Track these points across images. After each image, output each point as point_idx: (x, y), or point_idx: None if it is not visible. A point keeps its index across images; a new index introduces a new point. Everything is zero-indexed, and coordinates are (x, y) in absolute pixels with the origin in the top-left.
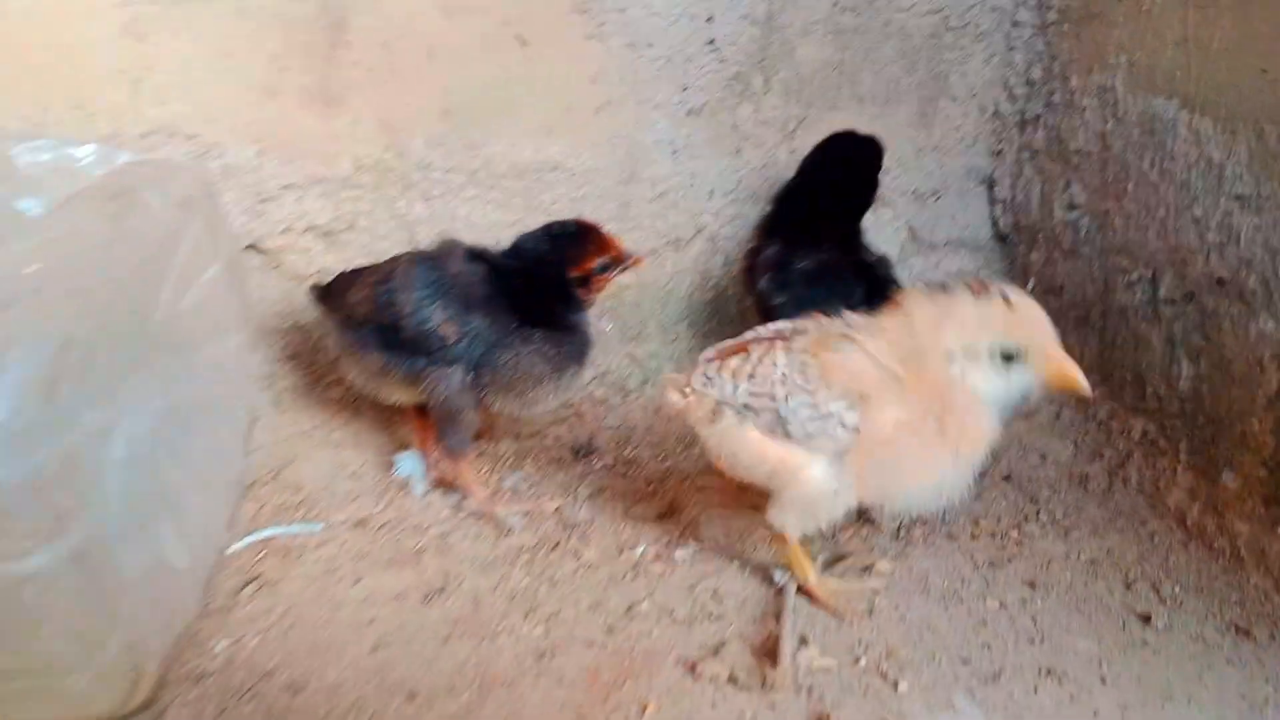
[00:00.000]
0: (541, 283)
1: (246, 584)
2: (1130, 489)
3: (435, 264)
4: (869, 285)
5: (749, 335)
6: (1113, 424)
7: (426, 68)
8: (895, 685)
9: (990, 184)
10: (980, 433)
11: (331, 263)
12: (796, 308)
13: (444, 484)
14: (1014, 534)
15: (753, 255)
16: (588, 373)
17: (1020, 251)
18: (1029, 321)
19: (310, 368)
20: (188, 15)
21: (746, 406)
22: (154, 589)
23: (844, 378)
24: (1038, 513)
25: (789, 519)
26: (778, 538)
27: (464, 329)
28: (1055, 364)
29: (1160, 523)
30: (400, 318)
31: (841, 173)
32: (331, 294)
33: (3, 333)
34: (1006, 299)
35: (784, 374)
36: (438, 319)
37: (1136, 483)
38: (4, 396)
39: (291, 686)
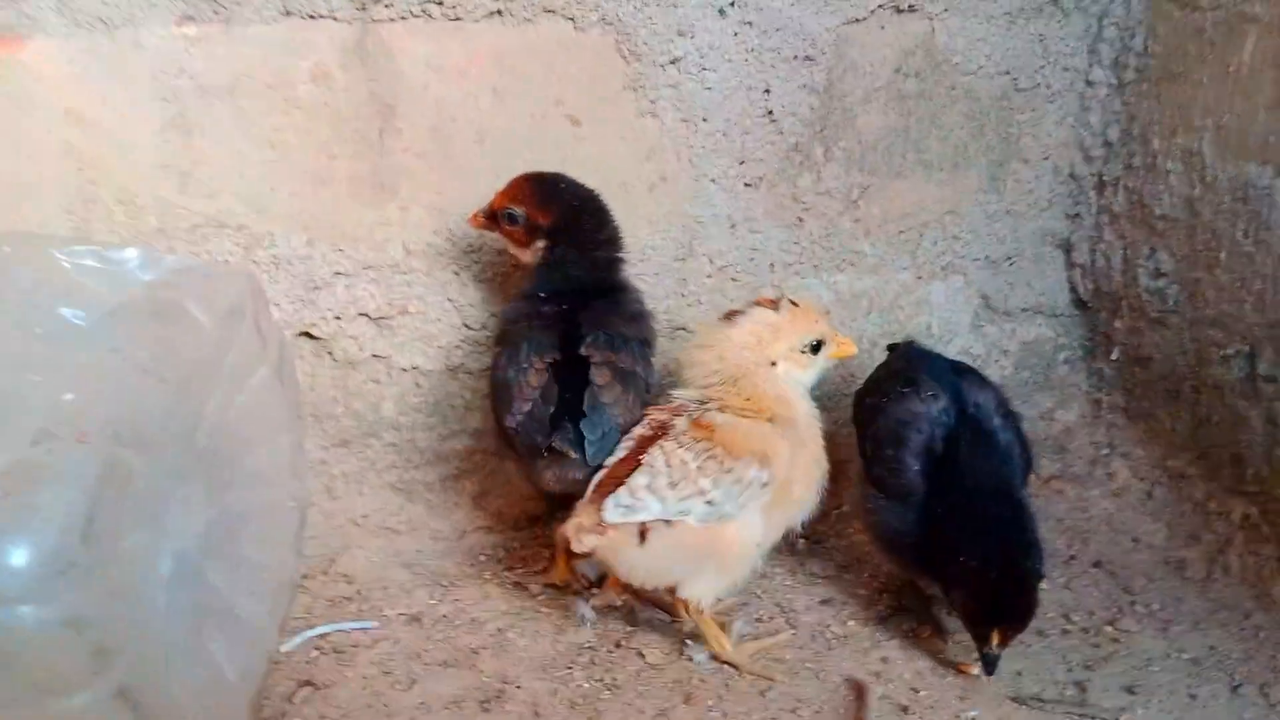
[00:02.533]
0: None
1: (300, 687)
2: (1232, 578)
3: None
4: None
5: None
6: (1210, 505)
7: (477, 151)
8: None
9: (1068, 248)
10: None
11: (382, 348)
12: None
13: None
14: (1109, 629)
15: None
16: None
17: (1103, 319)
18: (816, 313)
19: (363, 453)
20: (234, 108)
21: (681, 513)
22: (204, 706)
23: (740, 441)
24: (1133, 604)
25: (710, 588)
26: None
27: None
28: (844, 341)
29: (1266, 616)
30: None
31: None
32: None
33: (37, 469)
34: (793, 301)
35: (699, 466)
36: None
37: (1238, 571)
38: (37, 540)
39: None
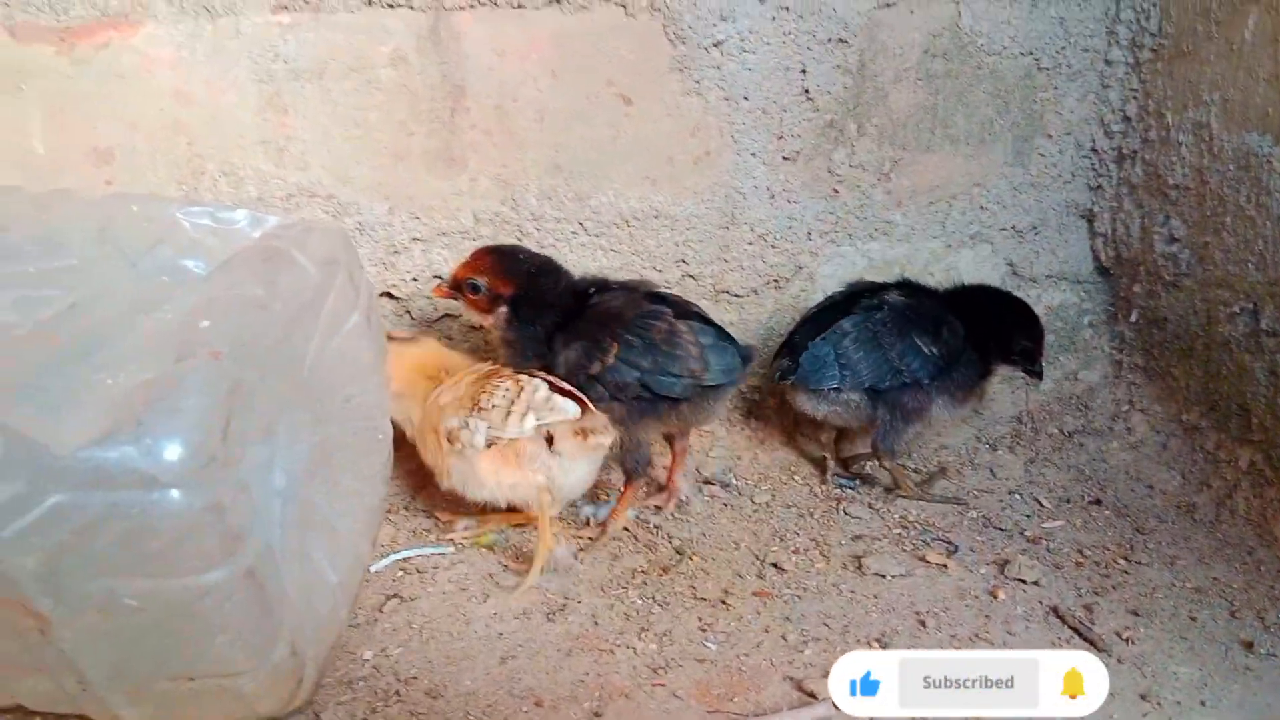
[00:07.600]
0: None
1: (388, 600)
2: (1238, 519)
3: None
4: None
5: None
6: (1220, 454)
7: (538, 128)
8: None
9: (1090, 218)
10: None
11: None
12: None
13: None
14: (1120, 563)
15: None
16: None
17: (1123, 284)
18: None
19: None
20: (323, 89)
21: None
22: (311, 602)
23: None
24: (1145, 542)
25: None
26: None
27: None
28: None
29: (1267, 552)
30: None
31: None
32: None
33: (182, 379)
34: None
35: None
36: None
37: (1244, 513)
38: (186, 437)
39: (431, 692)
